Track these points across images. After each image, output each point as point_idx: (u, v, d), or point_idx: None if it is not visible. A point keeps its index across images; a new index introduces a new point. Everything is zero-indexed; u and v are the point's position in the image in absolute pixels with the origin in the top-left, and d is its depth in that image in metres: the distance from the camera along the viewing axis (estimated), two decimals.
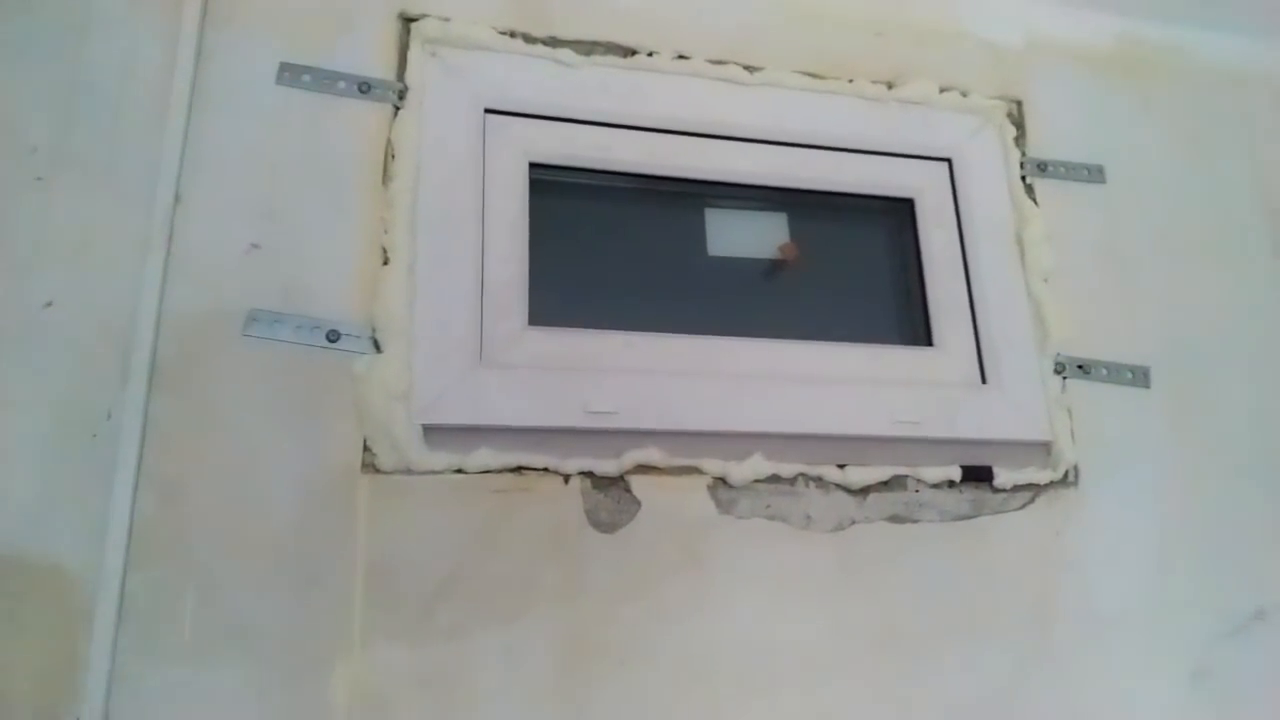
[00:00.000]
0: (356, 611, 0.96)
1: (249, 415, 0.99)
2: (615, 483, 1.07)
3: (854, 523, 1.13)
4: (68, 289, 0.99)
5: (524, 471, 1.05)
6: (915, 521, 1.15)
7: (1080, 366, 1.28)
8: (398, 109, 1.15)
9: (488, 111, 1.20)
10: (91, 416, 0.95)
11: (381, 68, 1.16)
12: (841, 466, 1.14)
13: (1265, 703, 1.20)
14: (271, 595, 0.95)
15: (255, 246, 1.05)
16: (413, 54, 1.18)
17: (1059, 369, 1.26)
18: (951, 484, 1.17)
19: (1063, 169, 1.38)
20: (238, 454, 0.98)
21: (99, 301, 0.99)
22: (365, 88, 1.14)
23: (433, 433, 1.04)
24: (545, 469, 1.05)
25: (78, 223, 1.01)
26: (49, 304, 0.98)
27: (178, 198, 1.04)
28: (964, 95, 1.37)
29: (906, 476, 1.16)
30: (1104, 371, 1.29)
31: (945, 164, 1.35)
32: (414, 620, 0.97)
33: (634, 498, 1.07)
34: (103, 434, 0.95)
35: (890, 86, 1.35)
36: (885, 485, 1.15)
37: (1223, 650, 1.20)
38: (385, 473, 1.01)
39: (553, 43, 1.23)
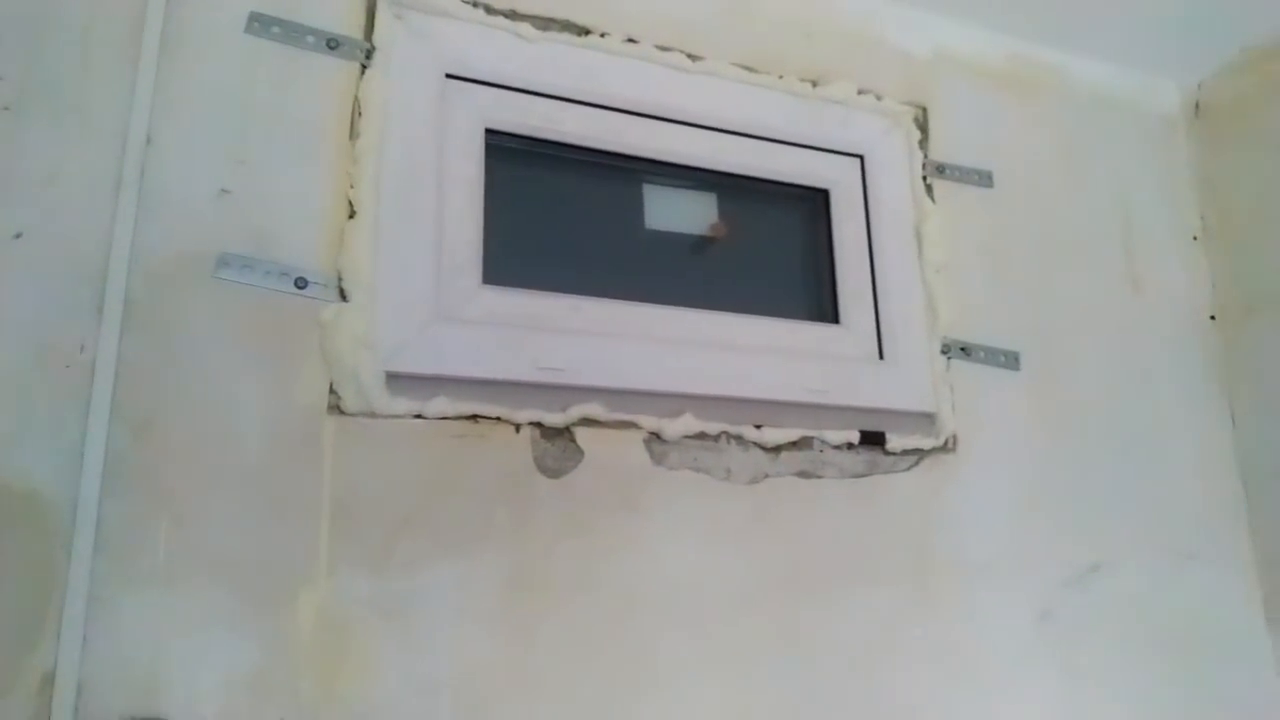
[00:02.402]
0: (322, 543, 1.03)
1: (219, 355, 1.04)
2: (561, 433, 1.17)
3: (767, 476, 1.26)
4: (38, 221, 1.00)
5: (479, 420, 1.13)
6: (819, 477, 1.29)
7: (963, 349, 1.45)
8: (364, 67, 1.19)
9: (449, 76, 1.25)
10: (65, 348, 0.98)
11: (350, 26, 1.20)
12: (759, 427, 1.27)
13: (1097, 639, 1.41)
14: (241, 526, 1.00)
15: (225, 191, 1.09)
16: (380, 14, 1.22)
17: (945, 350, 1.43)
18: (851, 446, 1.32)
19: (958, 172, 1.54)
20: (208, 391, 1.02)
21: (70, 236, 1.01)
22: (334, 44, 1.18)
23: (395, 380, 1.10)
24: (498, 418, 1.14)
25: (47, 155, 1.02)
26: (18, 235, 0.99)
27: (149, 138, 1.07)
28: (878, 99, 1.51)
29: (813, 438, 1.30)
30: (982, 354, 1.46)
31: (858, 160, 1.49)
32: (375, 553, 1.05)
33: (578, 447, 1.17)
34: (76, 366, 0.98)
35: (815, 84, 1.47)
36: (795, 445, 1.29)
37: (1065, 595, 1.41)
38: (350, 415, 1.07)
39: (513, 15, 1.30)
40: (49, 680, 0.90)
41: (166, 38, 1.10)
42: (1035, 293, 1.55)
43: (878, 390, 1.38)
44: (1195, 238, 1.75)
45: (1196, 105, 1.82)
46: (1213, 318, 1.71)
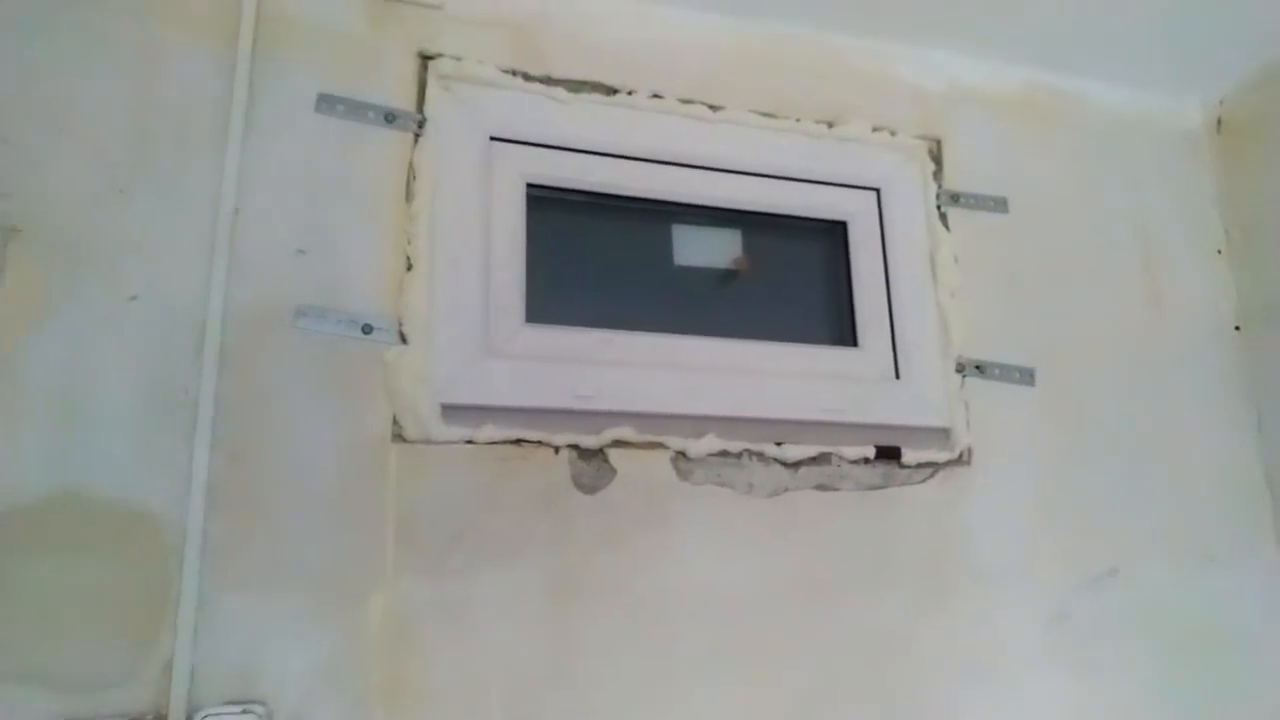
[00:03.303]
0: (388, 553, 1.19)
1: (299, 392, 1.22)
2: (596, 454, 1.31)
3: (787, 490, 1.38)
4: (148, 285, 1.19)
5: (522, 444, 1.28)
6: (836, 490, 1.41)
7: (977, 367, 1.55)
8: (417, 136, 1.36)
9: (492, 139, 1.41)
10: (172, 391, 1.17)
11: (404, 100, 1.37)
12: (779, 444, 1.40)
13: (1113, 641, 1.49)
14: (320, 538, 1.17)
15: (301, 251, 1.27)
16: (430, 88, 1.39)
17: (959, 368, 1.53)
18: (867, 460, 1.43)
19: (972, 200, 1.64)
20: (291, 424, 1.20)
21: (174, 295, 1.20)
22: (391, 117, 1.36)
23: (449, 410, 1.27)
24: (539, 442, 1.29)
25: (153, 228, 1.22)
26: (133, 297, 1.19)
27: (236, 208, 1.25)
28: (892, 134, 1.62)
29: (831, 454, 1.42)
30: (997, 371, 1.56)
31: (874, 193, 1.60)
32: (433, 561, 1.21)
33: (611, 466, 1.31)
34: (181, 405, 1.16)
35: (830, 125, 1.59)
36: (814, 460, 1.41)
37: (1080, 598, 1.49)
38: (410, 442, 1.24)
39: (548, 81, 1.45)
40: (167, 667, 1.08)
41: (249, 120, 1.29)
42: (1051, 311, 1.63)
43: (894, 408, 1.48)
44: (1219, 251, 1.81)
45: (1219, 121, 1.87)
46: (1238, 328, 1.76)
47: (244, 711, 1.09)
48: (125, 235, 1.20)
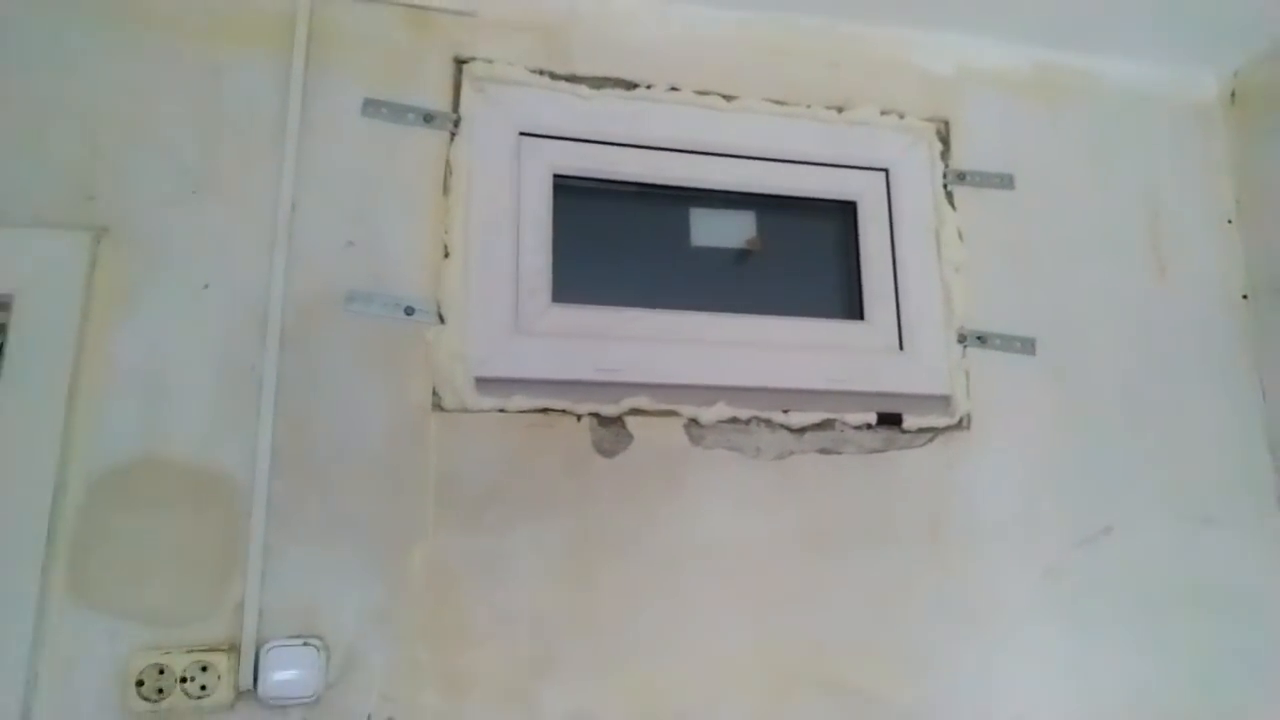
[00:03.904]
0: (429, 510, 1.35)
1: (351, 368, 1.37)
2: (615, 421, 1.45)
3: (792, 453, 1.51)
4: (218, 275, 1.36)
5: (548, 412, 1.43)
6: (840, 453, 1.53)
7: (979, 337, 1.64)
8: (453, 134, 1.50)
9: (521, 134, 1.54)
10: (240, 369, 1.33)
11: (440, 101, 1.51)
12: (785, 411, 1.52)
13: (1105, 595, 1.58)
14: (370, 496, 1.34)
15: (351, 243, 1.42)
16: (464, 89, 1.52)
17: (961, 339, 1.62)
18: (869, 426, 1.55)
19: (979, 178, 1.72)
20: (344, 396, 1.36)
21: (241, 284, 1.36)
22: (429, 118, 1.50)
23: (482, 383, 1.41)
24: (564, 410, 1.43)
25: (222, 225, 1.38)
26: (206, 286, 1.35)
27: (293, 206, 1.41)
28: (901, 117, 1.71)
29: (835, 420, 1.53)
30: (998, 341, 1.65)
31: (883, 174, 1.69)
32: (469, 517, 1.36)
33: (629, 433, 1.45)
34: (249, 382, 1.33)
35: (840, 110, 1.68)
36: (818, 426, 1.53)
37: (1074, 556, 1.59)
38: (448, 411, 1.39)
39: (572, 78, 1.58)
40: (239, 606, 1.26)
41: (303, 125, 1.44)
42: (1055, 283, 1.71)
43: (897, 377, 1.59)
44: (1230, 221, 1.86)
45: (1233, 93, 1.91)
46: (1245, 296, 1.82)
47: (305, 644, 1.26)
48: (198, 231, 1.37)
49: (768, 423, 1.51)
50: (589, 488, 1.41)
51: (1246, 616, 1.65)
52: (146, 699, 1.20)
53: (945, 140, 1.73)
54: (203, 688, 1.22)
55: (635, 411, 1.45)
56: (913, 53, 1.76)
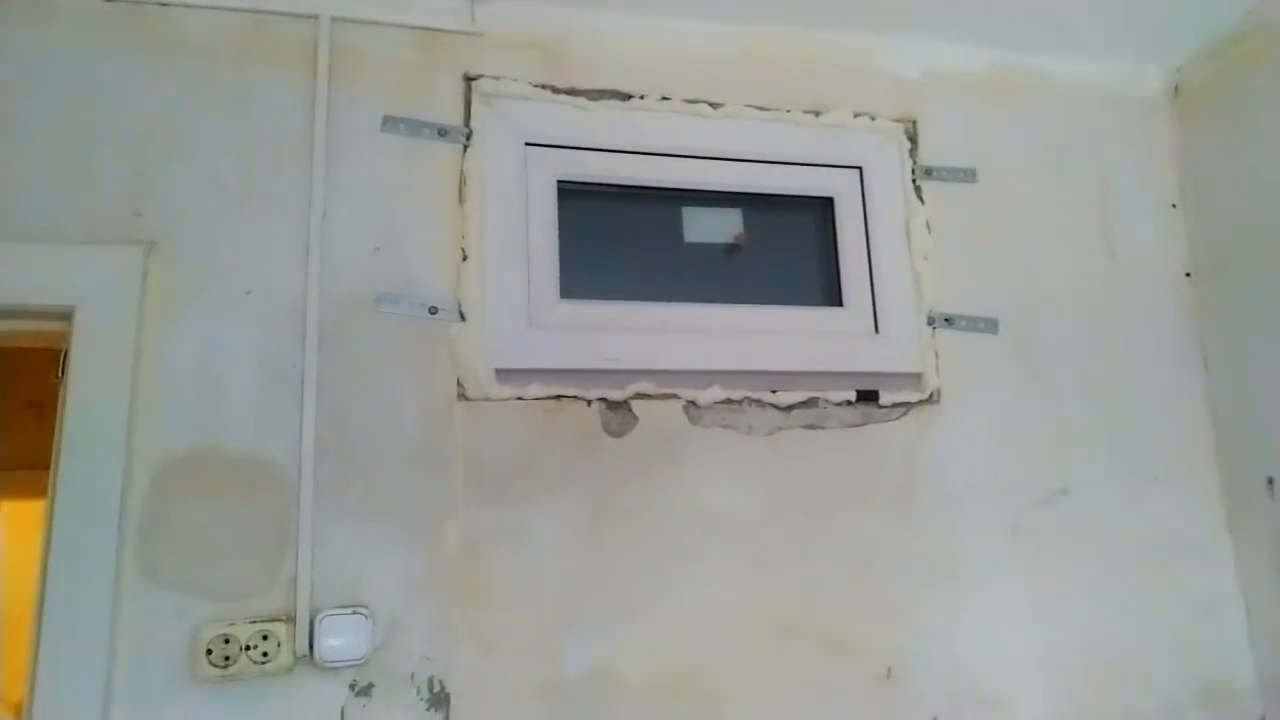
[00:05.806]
0: (459, 489, 1.50)
1: (383, 363, 1.52)
2: (621, 405, 1.60)
3: (780, 429, 1.67)
4: (259, 281, 1.50)
5: (561, 398, 1.58)
6: (823, 428, 1.69)
7: (946, 319, 1.80)
8: (466, 147, 1.64)
9: (528, 145, 1.68)
10: (284, 366, 1.48)
11: (453, 116, 1.65)
12: (774, 391, 1.68)
13: (1062, 548, 1.76)
14: (405, 478, 1.49)
15: (378, 249, 1.56)
16: (475, 105, 1.66)
17: (930, 321, 1.79)
18: (849, 402, 1.71)
19: (944, 172, 1.88)
20: (377, 389, 1.51)
21: (280, 288, 1.50)
22: (443, 132, 1.63)
23: (501, 373, 1.56)
24: (575, 396, 1.58)
25: (261, 234, 1.52)
26: (248, 292, 1.49)
27: (324, 215, 1.54)
28: (872, 119, 1.86)
29: (818, 398, 1.70)
30: (964, 323, 1.81)
31: (857, 171, 1.85)
32: (495, 494, 1.52)
33: (634, 415, 1.60)
34: (291, 378, 1.47)
35: (817, 114, 1.84)
36: (803, 404, 1.69)
37: (1035, 513, 1.76)
38: (472, 400, 1.54)
39: (572, 92, 1.72)
40: (292, 582, 1.41)
41: (329, 142, 1.57)
42: (1015, 267, 1.87)
43: (873, 358, 1.75)
44: (1174, 205, 2.03)
45: (1176, 87, 2.08)
46: (1188, 275, 1.99)
47: (353, 612, 1.41)
48: (238, 242, 1.51)
49: (758, 402, 1.67)
50: (600, 465, 1.57)
51: (1192, 566, 1.83)
52: (215, 665, 1.35)
53: (913, 139, 1.89)
54: (264, 654, 1.37)
55: (639, 396, 1.61)
56: (882, 58, 1.91)
